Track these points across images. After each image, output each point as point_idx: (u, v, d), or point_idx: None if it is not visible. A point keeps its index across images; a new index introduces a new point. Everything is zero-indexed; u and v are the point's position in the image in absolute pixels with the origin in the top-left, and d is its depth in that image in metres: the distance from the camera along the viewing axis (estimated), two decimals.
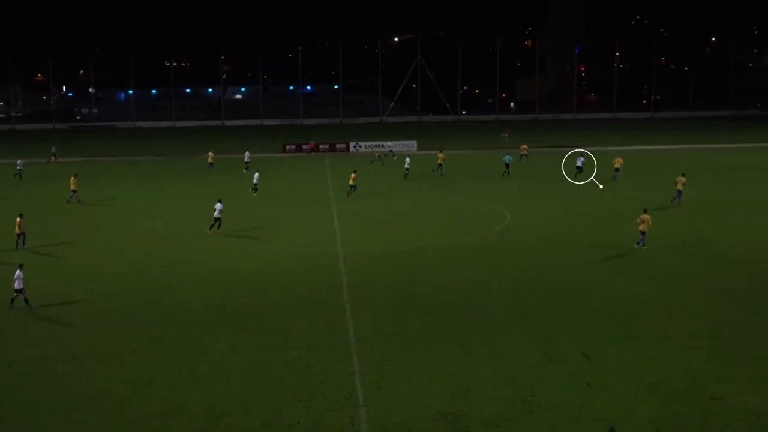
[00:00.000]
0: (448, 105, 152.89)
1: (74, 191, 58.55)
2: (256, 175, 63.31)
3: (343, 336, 28.42)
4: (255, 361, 26.16)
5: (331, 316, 30.90)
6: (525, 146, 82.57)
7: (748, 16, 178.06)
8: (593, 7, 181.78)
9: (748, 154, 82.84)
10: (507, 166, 70.48)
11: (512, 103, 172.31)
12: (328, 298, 33.36)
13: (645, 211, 42.04)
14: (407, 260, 39.91)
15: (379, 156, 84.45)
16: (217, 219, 46.51)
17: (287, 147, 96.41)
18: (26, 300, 32.11)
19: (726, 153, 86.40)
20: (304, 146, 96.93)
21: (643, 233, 41.16)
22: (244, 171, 75.38)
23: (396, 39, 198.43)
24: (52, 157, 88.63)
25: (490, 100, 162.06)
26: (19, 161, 75.11)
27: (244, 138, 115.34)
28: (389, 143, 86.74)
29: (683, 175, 56.92)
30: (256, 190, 61.70)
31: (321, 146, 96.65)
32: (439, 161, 72.29)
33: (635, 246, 41.49)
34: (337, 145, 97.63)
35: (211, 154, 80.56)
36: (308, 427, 21.44)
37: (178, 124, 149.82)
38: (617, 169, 66.32)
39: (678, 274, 36.67)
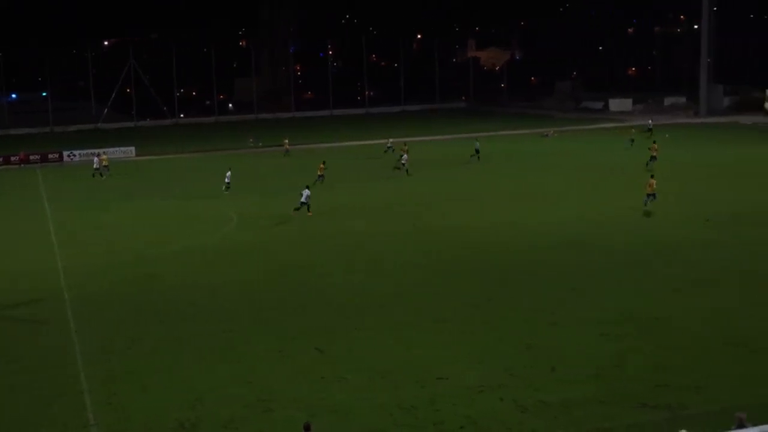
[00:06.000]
0: (165, 108, 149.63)
1: None
2: (228, 173, 60.85)
3: (69, 354, 27.20)
4: None
5: (55, 334, 29.48)
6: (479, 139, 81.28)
7: (450, 14, 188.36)
8: (305, 7, 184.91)
9: (452, 146, 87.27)
10: (475, 154, 72.33)
11: (230, 104, 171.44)
12: (50, 316, 31.74)
13: (652, 177, 48.55)
14: (132, 269, 38.77)
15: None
16: (304, 203, 48.97)
17: None
18: None
19: (435, 144, 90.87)
20: (13, 158, 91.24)
21: (649, 194, 46.91)
22: (101, 177, 72.04)
23: (106, 43, 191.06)
24: None
25: (208, 102, 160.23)
26: None
27: None
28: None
29: (655, 142, 66.68)
30: (228, 188, 59.82)
31: (32, 157, 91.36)
32: (388, 148, 75.40)
33: (644, 205, 47.18)
34: (50, 155, 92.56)
35: (105, 157, 76.86)
36: None
37: None
38: (653, 157, 63.34)
39: (409, 262, 38.24)
